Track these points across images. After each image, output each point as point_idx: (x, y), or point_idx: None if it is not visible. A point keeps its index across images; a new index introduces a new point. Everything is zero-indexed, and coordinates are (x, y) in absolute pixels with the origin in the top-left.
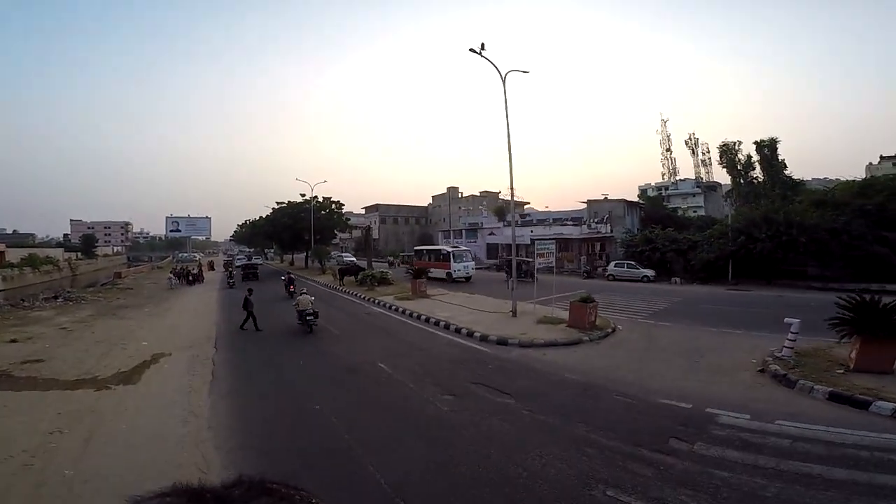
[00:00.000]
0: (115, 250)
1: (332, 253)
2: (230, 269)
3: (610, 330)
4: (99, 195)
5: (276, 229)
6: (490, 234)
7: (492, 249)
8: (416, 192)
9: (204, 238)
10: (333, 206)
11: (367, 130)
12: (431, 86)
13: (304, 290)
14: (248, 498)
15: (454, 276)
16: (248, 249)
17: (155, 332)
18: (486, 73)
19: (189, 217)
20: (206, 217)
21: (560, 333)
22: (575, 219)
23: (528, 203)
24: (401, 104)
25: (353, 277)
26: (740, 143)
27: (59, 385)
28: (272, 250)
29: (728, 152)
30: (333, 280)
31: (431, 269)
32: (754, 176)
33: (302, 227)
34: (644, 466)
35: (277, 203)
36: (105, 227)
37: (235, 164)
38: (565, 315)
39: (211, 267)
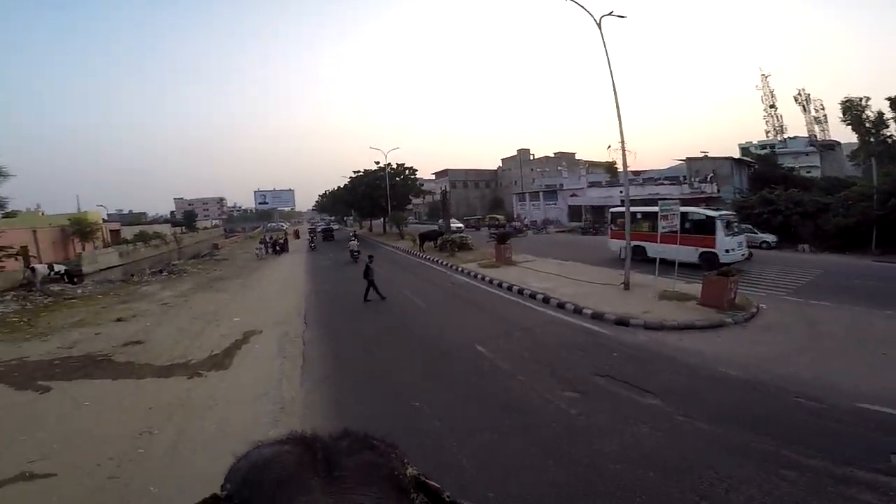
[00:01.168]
0: (213, 223)
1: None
2: (313, 235)
3: (754, 310)
4: (198, 174)
5: (355, 197)
6: (572, 196)
7: (574, 212)
8: (485, 155)
9: (289, 209)
10: (407, 172)
11: (437, 94)
12: (500, 44)
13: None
14: (352, 451)
15: (723, 258)
16: (328, 218)
17: (246, 305)
18: (557, 26)
19: (274, 190)
20: (290, 189)
21: (693, 313)
22: (670, 178)
23: (615, 163)
24: (468, 65)
25: (432, 243)
26: (867, 98)
27: (153, 371)
28: (351, 217)
29: (852, 109)
30: (413, 245)
31: (657, 247)
32: (888, 134)
33: (378, 194)
34: (866, 493)
35: (354, 172)
36: (203, 203)
37: (315, 137)
38: (690, 289)
39: (297, 235)
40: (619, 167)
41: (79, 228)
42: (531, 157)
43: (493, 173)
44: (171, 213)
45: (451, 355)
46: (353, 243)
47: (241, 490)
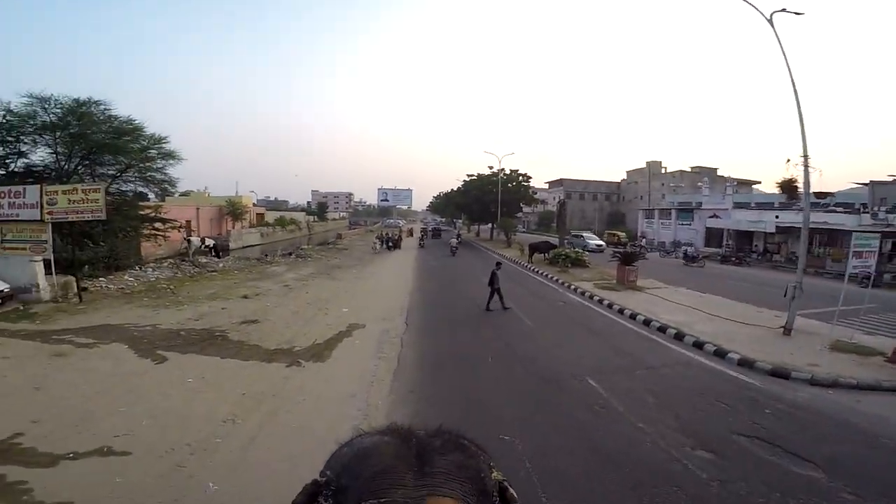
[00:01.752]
0: (340, 215)
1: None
2: (424, 234)
3: None
4: (332, 169)
5: (466, 200)
6: (712, 217)
7: (713, 236)
8: (606, 167)
9: (406, 207)
10: (521, 178)
11: (556, 100)
12: (633, 46)
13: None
14: (444, 449)
15: None
16: (439, 219)
17: (356, 297)
18: (698, 24)
19: (395, 189)
20: (409, 189)
21: (880, 372)
22: (844, 204)
23: (759, 182)
24: (595, 68)
25: (542, 255)
26: None
27: (260, 354)
28: (460, 220)
29: None
30: (520, 255)
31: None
32: None
33: (489, 199)
34: None
35: (468, 175)
36: (335, 197)
37: (433, 140)
38: (875, 343)
39: (410, 233)
40: (799, 185)
41: (231, 209)
42: (663, 171)
43: (616, 186)
44: (308, 203)
45: (558, 386)
46: (454, 241)
47: (339, 477)
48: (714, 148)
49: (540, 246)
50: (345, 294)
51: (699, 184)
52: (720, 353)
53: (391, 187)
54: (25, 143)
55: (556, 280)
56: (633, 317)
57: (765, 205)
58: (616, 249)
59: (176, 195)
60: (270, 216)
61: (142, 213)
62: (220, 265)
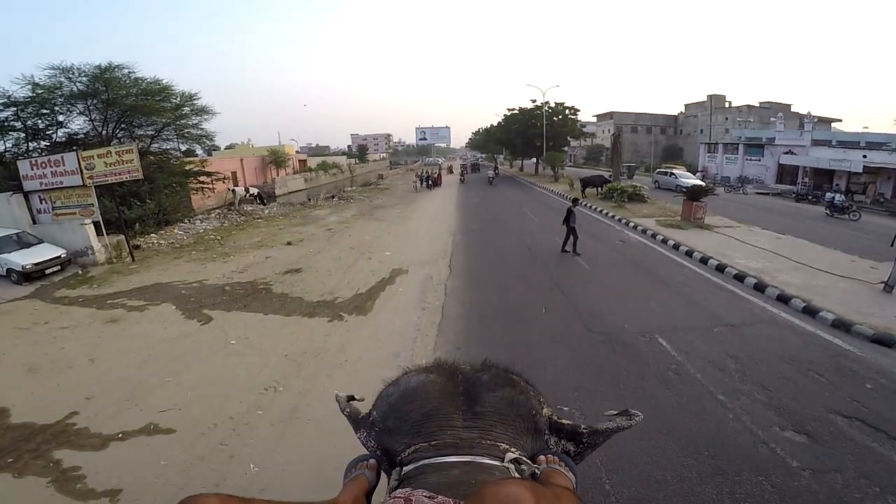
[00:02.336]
0: (380, 156)
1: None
2: (464, 170)
3: None
4: (371, 111)
5: (508, 135)
6: (786, 153)
7: (786, 173)
8: (662, 100)
9: (445, 145)
10: (567, 111)
11: (603, 28)
12: None
13: None
14: (493, 385)
15: None
16: (478, 154)
17: (399, 238)
18: None
19: (433, 127)
20: (447, 127)
21: None
22: None
23: (840, 120)
24: None
25: (595, 190)
26: None
27: (302, 308)
28: (502, 156)
29: None
30: (570, 190)
31: None
32: None
33: (534, 133)
34: None
35: (509, 109)
36: (374, 139)
37: (473, 75)
38: None
39: (450, 170)
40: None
41: (274, 158)
42: (727, 105)
43: (672, 119)
44: (349, 146)
45: (623, 347)
46: (490, 173)
47: (385, 418)
48: (787, 82)
49: (593, 180)
50: (387, 236)
51: (772, 119)
52: (810, 311)
53: (429, 126)
54: (61, 113)
55: (613, 216)
56: (703, 261)
57: (848, 144)
58: (679, 185)
59: (222, 149)
60: (313, 162)
61: (186, 168)
62: (266, 212)
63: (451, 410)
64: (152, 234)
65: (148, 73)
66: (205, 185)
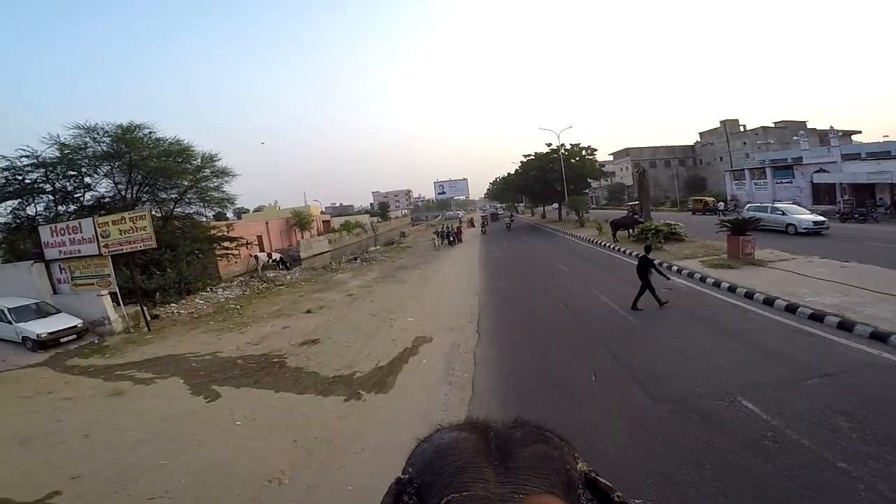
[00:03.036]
0: (402, 213)
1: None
2: (484, 220)
3: None
4: (390, 169)
5: (527, 182)
6: (818, 171)
7: (822, 192)
8: (674, 132)
9: (463, 197)
10: (584, 151)
11: (614, 69)
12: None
13: None
14: (525, 441)
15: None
16: (497, 205)
17: (421, 301)
18: None
19: (450, 180)
20: (464, 179)
21: None
22: None
23: (859, 132)
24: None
25: (626, 232)
26: None
27: (316, 385)
28: (522, 204)
29: None
30: (599, 235)
31: None
32: None
33: (552, 177)
34: None
35: (525, 156)
36: (394, 195)
37: (485, 126)
38: None
39: (471, 223)
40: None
41: (298, 220)
42: (741, 129)
43: (689, 149)
44: (371, 204)
45: (700, 415)
46: (507, 219)
47: (422, 474)
48: (795, 101)
49: (624, 221)
50: (409, 300)
51: (795, 137)
52: None
53: (446, 179)
54: (87, 175)
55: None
56: (768, 302)
57: (879, 154)
58: (724, 218)
59: (251, 211)
60: (336, 222)
61: (210, 233)
62: (288, 277)
63: (483, 466)
64: (172, 304)
65: (168, 133)
66: (229, 251)
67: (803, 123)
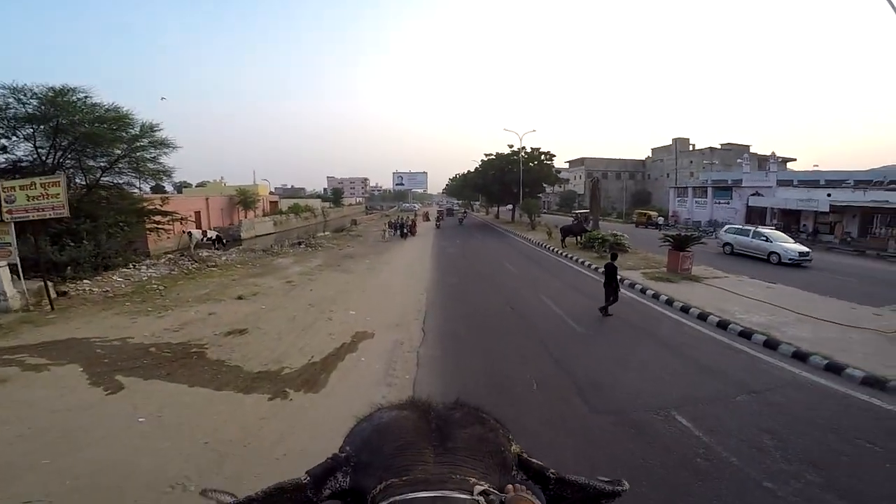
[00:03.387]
0: (357, 201)
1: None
2: (440, 215)
3: None
4: (348, 155)
5: (485, 181)
6: (754, 195)
7: (755, 214)
8: (629, 146)
9: (422, 191)
10: (543, 157)
11: (574, 78)
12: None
13: None
14: (464, 423)
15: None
16: (453, 200)
17: (367, 293)
18: None
19: (410, 172)
20: (424, 172)
21: None
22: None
23: (794, 159)
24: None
25: (574, 238)
26: None
27: (238, 380)
28: (478, 203)
29: None
30: (547, 239)
31: None
32: None
33: (510, 178)
34: None
35: (486, 155)
36: (350, 182)
37: (449, 121)
38: None
39: (426, 217)
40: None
41: (243, 198)
42: (691, 148)
43: (640, 164)
44: (325, 189)
45: (634, 428)
46: (460, 214)
47: (360, 452)
48: (743, 125)
49: (573, 228)
50: (353, 291)
51: (739, 160)
52: (834, 369)
53: (406, 171)
54: (4, 136)
55: (594, 268)
56: (702, 317)
57: (809, 182)
58: (666, 233)
59: (193, 186)
60: (285, 204)
61: (140, 206)
62: (223, 258)
63: (423, 446)
64: (85, 280)
65: (108, 99)
66: (160, 226)
67: (747, 147)
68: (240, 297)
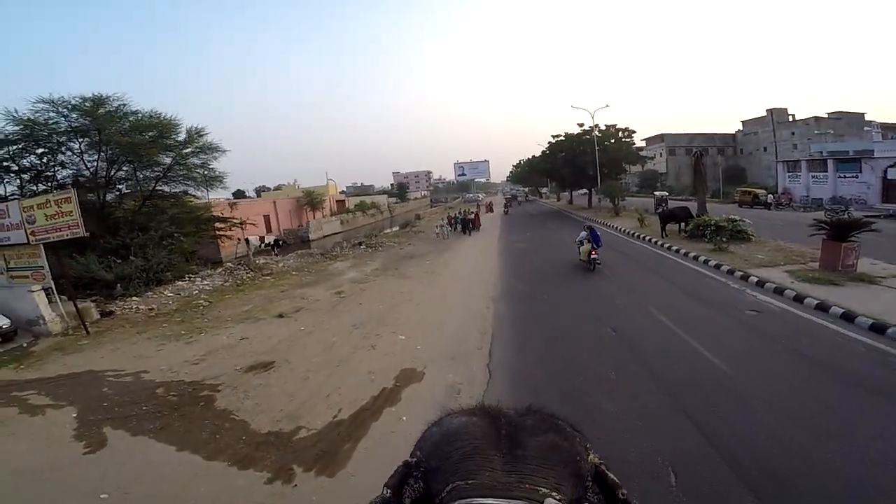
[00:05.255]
0: (422, 194)
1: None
2: (508, 202)
3: None
4: (412, 149)
5: (554, 165)
6: (893, 166)
7: (891, 189)
8: (713, 120)
9: (485, 180)
10: (621, 133)
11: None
12: None
13: None
14: (536, 430)
15: None
16: (520, 188)
17: (421, 309)
18: None
19: (471, 161)
20: (485, 161)
21: None
22: None
23: None
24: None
25: (678, 226)
26: None
27: (236, 447)
28: (547, 189)
29: None
30: (640, 227)
31: None
32: None
33: (584, 160)
34: None
35: (553, 136)
36: (415, 177)
37: (509, 104)
38: None
39: (490, 208)
40: None
41: (309, 200)
42: (790, 119)
43: (730, 138)
44: (391, 185)
45: None
46: (520, 197)
47: (429, 458)
48: (847, 91)
49: (676, 213)
50: (407, 304)
51: (866, 128)
52: None
53: (467, 161)
54: (59, 151)
55: (716, 265)
56: None
57: None
58: (825, 219)
59: (272, 189)
60: (352, 202)
61: (198, 214)
62: (280, 265)
63: (491, 453)
64: (134, 298)
65: (147, 106)
66: (220, 233)
67: (862, 115)
68: (280, 316)
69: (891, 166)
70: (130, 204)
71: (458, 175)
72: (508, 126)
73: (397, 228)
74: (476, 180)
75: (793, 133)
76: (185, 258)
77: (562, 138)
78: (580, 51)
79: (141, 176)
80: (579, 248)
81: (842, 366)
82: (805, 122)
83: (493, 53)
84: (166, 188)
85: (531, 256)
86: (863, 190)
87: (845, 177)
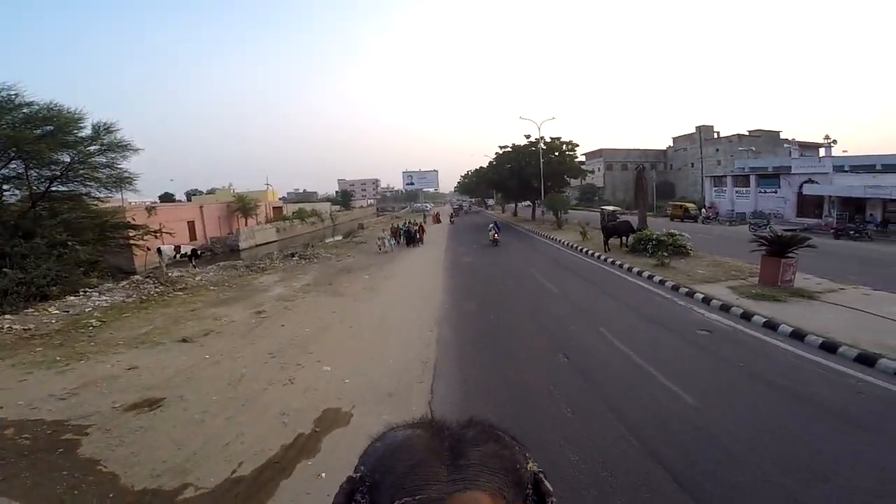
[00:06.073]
0: (368, 203)
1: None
2: (453, 211)
3: None
4: (359, 157)
5: (500, 176)
6: (808, 183)
7: (807, 204)
8: (646, 136)
9: (433, 190)
10: (565, 146)
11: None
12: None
13: None
14: (478, 440)
15: None
16: (468, 199)
17: (354, 332)
18: None
19: (420, 171)
20: (434, 170)
21: None
22: None
23: (835, 142)
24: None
25: (619, 240)
26: None
27: None
28: (493, 200)
29: None
30: (582, 240)
31: None
32: None
33: (529, 172)
34: None
35: (500, 147)
36: (361, 184)
37: (458, 115)
38: None
39: (437, 219)
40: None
41: (241, 205)
42: (716, 136)
43: (661, 154)
44: (336, 192)
45: None
46: (465, 205)
47: (374, 472)
48: (767, 111)
49: (619, 227)
50: (338, 326)
51: (786, 145)
52: None
53: (416, 170)
54: None
55: (660, 281)
56: (865, 361)
57: (861, 168)
58: (759, 234)
59: (204, 192)
60: (292, 209)
61: (104, 220)
62: (198, 278)
63: (436, 464)
64: (7, 316)
65: (45, 98)
66: (131, 241)
67: (778, 133)
68: (184, 340)
69: (805, 182)
70: (16, 207)
71: (407, 184)
72: (458, 136)
73: (340, 238)
74: (424, 190)
75: (717, 150)
76: (83, 270)
77: (509, 150)
78: (526, 69)
79: (33, 175)
80: (489, 233)
81: (803, 391)
82: (729, 139)
83: (444, 64)
84: (64, 188)
85: (477, 271)
86: (780, 204)
87: (765, 192)
